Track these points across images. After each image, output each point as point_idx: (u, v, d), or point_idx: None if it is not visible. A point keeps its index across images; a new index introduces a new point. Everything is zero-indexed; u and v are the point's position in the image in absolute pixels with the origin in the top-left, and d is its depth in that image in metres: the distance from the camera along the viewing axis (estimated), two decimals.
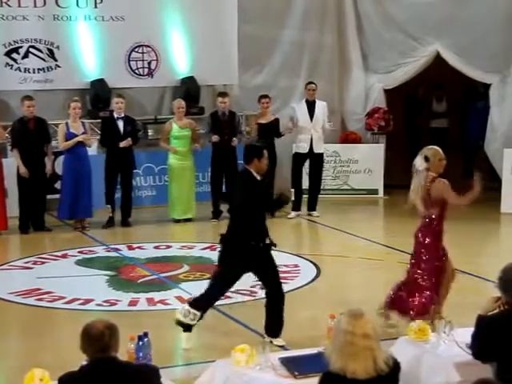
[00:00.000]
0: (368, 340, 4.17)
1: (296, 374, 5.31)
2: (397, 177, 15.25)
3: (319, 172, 13.25)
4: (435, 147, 7.52)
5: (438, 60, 14.43)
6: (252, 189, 7.12)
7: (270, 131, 12.90)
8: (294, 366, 5.39)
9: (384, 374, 4.21)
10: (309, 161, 13.11)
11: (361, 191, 14.69)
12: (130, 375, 4.31)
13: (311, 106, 13.05)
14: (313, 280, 9.51)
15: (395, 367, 4.31)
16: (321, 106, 13.10)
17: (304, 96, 13.33)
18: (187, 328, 7.26)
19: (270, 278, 7.29)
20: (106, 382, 4.24)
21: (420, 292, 7.46)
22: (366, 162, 14.71)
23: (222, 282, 7.31)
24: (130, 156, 12.35)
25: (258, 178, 7.16)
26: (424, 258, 7.50)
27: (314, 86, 13.19)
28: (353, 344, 4.15)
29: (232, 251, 7.19)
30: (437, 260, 7.50)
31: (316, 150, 12.98)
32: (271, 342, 7.13)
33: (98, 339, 4.25)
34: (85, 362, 4.35)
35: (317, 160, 13.08)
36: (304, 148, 12.95)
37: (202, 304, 7.25)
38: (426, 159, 7.35)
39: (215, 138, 12.58)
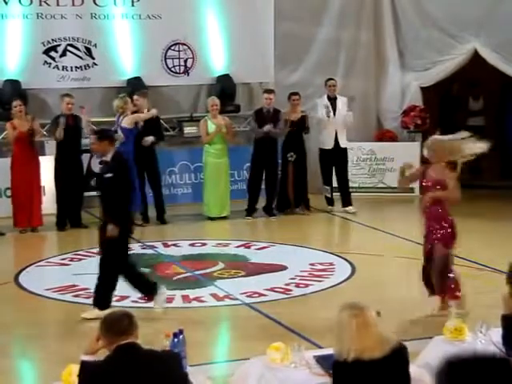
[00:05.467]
0: (369, 326, 4.38)
1: (330, 372, 5.29)
2: None
3: (345, 166, 13.29)
4: None
5: (475, 58, 14.30)
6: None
7: (299, 127, 12.91)
8: (329, 364, 5.36)
9: (388, 355, 4.40)
10: (335, 156, 13.13)
11: (397, 189, 14.56)
12: (154, 361, 4.38)
13: (333, 102, 13.08)
14: (348, 278, 9.49)
15: (399, 348, 4.48)
16: (341, 102, 13.18)
17: (325, 92, 13.30)
18: None
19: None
20: (130, 367, 4.29)
21: None
22: (401, 160, 14.54)
23: None
24: (153, 154, 12.40)
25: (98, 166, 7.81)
26: None
27: (334, 81, 13.28)
28: (355, 330, 4.35)
29: None
30: None
31: (341, 144, 13.10)
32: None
33: (116, 322, 4.40)
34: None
35: (342, 155, 13.16)
36: (329, 144, 13.02)
37: None
38: None
39: (267, 127, 12.55)
